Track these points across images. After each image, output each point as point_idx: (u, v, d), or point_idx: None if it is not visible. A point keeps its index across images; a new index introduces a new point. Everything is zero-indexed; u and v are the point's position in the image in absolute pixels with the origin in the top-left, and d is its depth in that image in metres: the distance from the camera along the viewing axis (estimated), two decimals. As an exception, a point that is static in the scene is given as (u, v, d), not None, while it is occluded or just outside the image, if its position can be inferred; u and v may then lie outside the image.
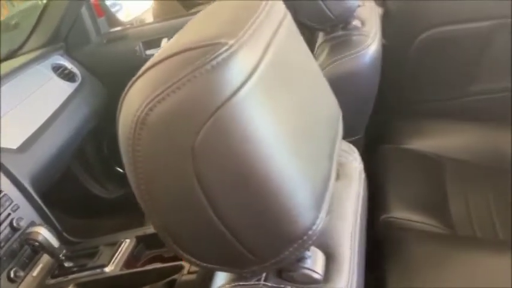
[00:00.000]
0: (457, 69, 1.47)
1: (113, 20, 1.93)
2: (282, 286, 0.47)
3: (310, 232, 0.42)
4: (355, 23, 1.14)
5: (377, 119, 1.57)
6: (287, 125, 0.42)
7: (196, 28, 0.42)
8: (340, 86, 1.06)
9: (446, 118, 1.52)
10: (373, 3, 1.29)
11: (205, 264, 0.43)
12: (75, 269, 1.15)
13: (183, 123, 0.37)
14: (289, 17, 0.51)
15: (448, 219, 1.22)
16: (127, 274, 1.12)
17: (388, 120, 1.56)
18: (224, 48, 0.37)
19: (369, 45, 1.06)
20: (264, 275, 0.48)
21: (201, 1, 2.78)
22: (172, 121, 0.37)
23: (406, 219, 1.20)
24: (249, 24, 0.41)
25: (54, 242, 1.14)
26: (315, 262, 0.48)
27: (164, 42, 1.75)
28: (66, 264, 1.16)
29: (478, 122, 1.50)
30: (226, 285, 0.47)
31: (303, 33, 0.56)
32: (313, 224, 0.42)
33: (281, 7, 0.50)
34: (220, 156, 0.37)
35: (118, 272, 1.12)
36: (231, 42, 0.37)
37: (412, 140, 1.47)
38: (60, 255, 1.15)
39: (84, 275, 1.13)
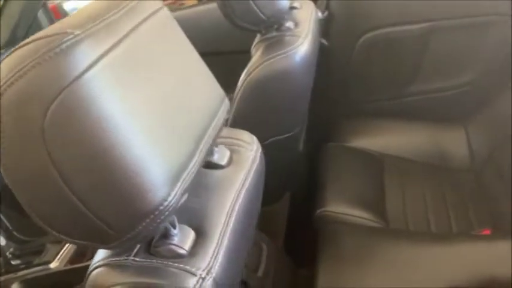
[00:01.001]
0: (398, 69, 1.52)
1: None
2: (149, 261, 0.51)
3: (161, 207, 0.46)
4: (289, 24, 1.18)
5: (324, 117, 1.62)
6: (141, 109, 0.46)
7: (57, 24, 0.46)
8: (272, 84, 1.11)
9: (389, 117, 1.57)
10: (312, 6, 1.33)
11: (71, 240, 0.47)
12: (21, 266, 1.17)
13: (31, 104, 0.41)
14: (160, 15, 0.56)
15: (383, 214, 1.27)
16: (71, 270, 1.15)
17: (334, 119, 1.60)
18: (69, 37, 0.41)
19: (299, 45, 1.10)
20: (134, 250, 0.52)
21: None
22: (21, 103, 0.41)
23: (341, 213, 1.24)
24: (102, 19, 0.45)
25: (1, 240, 1.16)
26: (182, 239, 0.52)
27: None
28: (13, 262, 1.19)
29: (418, 121, 1.55)
30: (99, 262, 0.51)
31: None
32: (165, 200, 0.46)
33: (151, 6, 0.55)
34: (69, 135, 0.41)
35: (62, 268, 1.15)
36: (77, 32, 0.42)
37: (356, 138, 1.52)
38: (7, 253, 1.17)
39: (30, 272, 1.15)
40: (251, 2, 1.05)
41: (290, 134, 1.17)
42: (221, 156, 0.66)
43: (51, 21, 1.79)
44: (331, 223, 1.24)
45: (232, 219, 0.58)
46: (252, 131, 1.17)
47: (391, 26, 1.45)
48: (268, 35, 1.16)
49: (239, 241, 0.60)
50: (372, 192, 1.33)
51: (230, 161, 0.67)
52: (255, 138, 0.74)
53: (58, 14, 1.85)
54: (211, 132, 0.56)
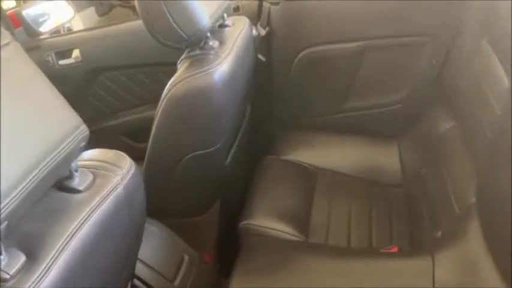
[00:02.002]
0: (333, 86, 1.56)
1: (31, 31, 1.99)
2: None
3: None
4: (212, 43, 1.22)
5: (264, 131, 1.66)
6: None
7: None
8: (191, 101, 1.14)
9: (325, 132, 1.61)
10: (245, 23, 1.36)
11: None
12: None
13: None
14: (9, 48, 0.60)
15: (305, 228, 1.31)
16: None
17: (273, 133, 1.64)
18: None
19: (219, 65, 1.14)
20: None
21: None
22: None
23: (263, 226, 1.28)
24: None
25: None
26: (9, 263, 0.56)
27: (76, 53, 1.82)
28: None
29: (353, 136, 1.59)
30: None
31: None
32: None
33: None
34: None
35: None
36: None
37: (293, 152, 1.56)
38: None
39: None
40: (171, 21, 1.09)
41: (212, 149, 1.21)
42: (81, 180, 0.69)
43: (10, 29, 1.83)
44: (253, 236, 1.28)
45: (72, 243, 0.61)
46: (172, 144, 1.21)
47: (326, 43, 1.49)
48: (192, 53, 1.20)
49: (86, 264, 0.64)
50: (298, 206, 1.36)
51: (90, 186, 0.69)
52: (128, 162, 0.77)
53: (17, 21, 1.88)
54: (51, 159, 0.59)
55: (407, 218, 1.36)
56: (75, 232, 0.62)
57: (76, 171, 0.69)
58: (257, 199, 1.37)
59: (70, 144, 0.63)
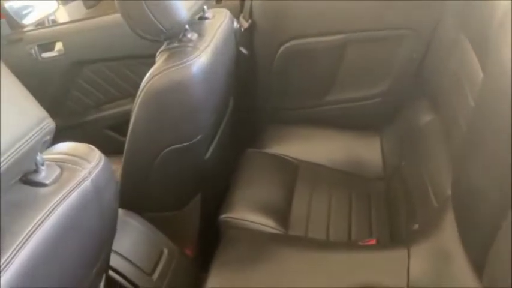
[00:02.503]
0: (315, 79, 1.56)
1: (14, 23, 1.98)
2: None
3: None
4: (191, 35, 1.22)
5: (247, 124, 1.66)
6: None
7: None
8: (169, 94, 1.14)
9: (308, 125, 1.61)
10: (225, 16, 1.36)
11: None
12: None
13: None
14: None
15: (285, 220, 1.31)
16: None
17: (256, 126, 1.64)
18: None
19: (196, 57, 1.14)
20: None
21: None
22: None
23: (242, 219, 1.28)
24: None
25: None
26: None
27: (59, 46, 1.81)
28: None
29: (336, 129, 1.59)
30: None
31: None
32: None
33: None
34: None
35: None
36: None
37: (275, 145, 1.56)
38: None
39: None
40: (149, 14, 1.08)
41: (190, 142, 1.21)
42: (48, 174, 0.68)
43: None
44: (232, 229, 1.28)
45: (36, 236, 0.60)
46: (150, 138, 1.21)
47: (308, 36, 1.49)
48: (171, 45, 1.19)
49: (52, 257, 0.64)
50: (278, 199, 1.37)
51: (57, 179, 0.69)
52: (97, 155, 0.76)
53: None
54: (14, 151, 0.59)
55: (387, 211, 1.37)
56: (39, 225, 0.62)
57: (42, 164, 0.68)
58: (237, 192, 1.38)
59: (34, 137, 0.63)
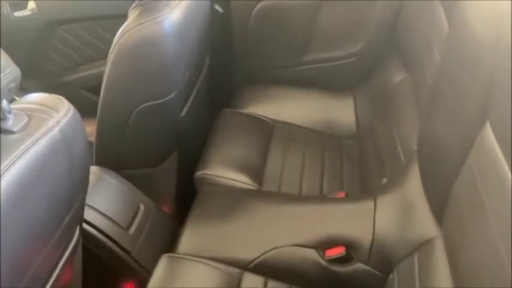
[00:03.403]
0: (290, 39, 1.57)
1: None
2: None
3: None
4: (163, -9, 1.21)
5: (223, 84, 1.67)
6: None
7: None
8: (140, 49, 1.14)
9: (284, 85, 1.63)
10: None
11: None
12: None
13: None
14: None
15: (259, 177, 1.34)
16: None
17: (233, 86, 1.65)
18: None
19: (169, 13, 1.13)
20: None
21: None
22: None
23: (218, 176, 1.31)
24: None
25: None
26: None
27: (31, 4, 1.77)
28: None
29: (311, 89, 1.61)
30: None
31: None
32: None
33: None
34: None
35: None
36: None
37: (252, 105, 1.58)
38: None
39: None
40: None
41: (164, 99, 1.21)
42: (15, 122, 0.69)
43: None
44: (208, 185, 1.31)
45: (2, 182, 0.62)
46: (124, 94, 1.21)
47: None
48: (142, 1, 1.18)
49: (18, 206, 0.65)
50: (253, 157, 1.39)
51: (24, 127, 0.70)
52: (66, 105, 0.77)
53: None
54: None
55: (358, 168, 1.41)
56: (7, 170, 0.63)
57: (9, 112, 0.69)
58: (213, 150, 1.40)
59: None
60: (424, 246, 0.94)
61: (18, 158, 0.65)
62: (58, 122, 0.74)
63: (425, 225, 0.97)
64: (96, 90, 1.93)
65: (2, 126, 0.68)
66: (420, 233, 0.97)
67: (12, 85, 0.67)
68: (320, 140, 1.50)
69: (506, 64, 0.67)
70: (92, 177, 1.23)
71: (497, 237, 0.67)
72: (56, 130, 0.73)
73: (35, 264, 0.75)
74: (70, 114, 0.77)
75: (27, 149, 0.67)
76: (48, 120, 0.73)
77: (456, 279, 0.82)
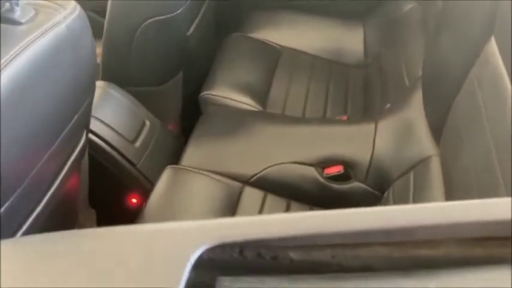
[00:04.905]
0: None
1: None
2: None
3: None
4: None
5: (232, 8, 1.65)
6: None
7: None
8: None
9: (294, 11, 1.60)
10: None
11: None
12: None
13: None
14: None
15: (264, 100, 1.35)
16: None
17: (243, 12, 1.63)
18: None
19: None
20: None
21: None
22: None
23: (222, 96, 1.32)
24: None
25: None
26: None
27: None
28: None
29: (322, 17, 1.59)
30: None
31: None
32: None
33: None
34: None
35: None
36: None
37: (261, 30, 1.56)
38: None
39: None
40: None
41: (171, 15, 1.21)
42: (23, 14, 0.70)
43: None
44: (212, 105, 1.32)
45: (6, 72, 0.63)
46: (131, 9, 1.21)
47: None
48: None
49: (22, 100, 0.67)
50: (259, 80, 1.40)
51: (32, 20, 0.70)
52: (73, 4, 0.78)
53: None
54: None
55: (363, 95, 1.41)
56: (13, 59, 0.64)
57: (17, 5, 0.70)
58: (219, 72, 1.40)
59: None
60: (420, 164, 0.96)
61: (24, 49, 0.66)
62: (65, 18, 0.74)
63: (423, 144, 0.99)
64: (103, 13, 1.92)
65: (9, 16, 0.69)
66: (417, 152, 0.99)
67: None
68: (327, 67, 1.49)
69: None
70: (99, 91, 1.25)
71: (491, 146, 0.69)
72: (63, 26, 0.74)
73: (39, 164, 0.78)
74: (77, 11, 0.77)
75: (34, 41, 0.68)
76: (55, 15, 0.73)
77: (448, 193, 0.85)
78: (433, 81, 0.98)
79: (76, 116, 0.88)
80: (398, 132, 1.06)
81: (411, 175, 0.96)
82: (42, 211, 0.83)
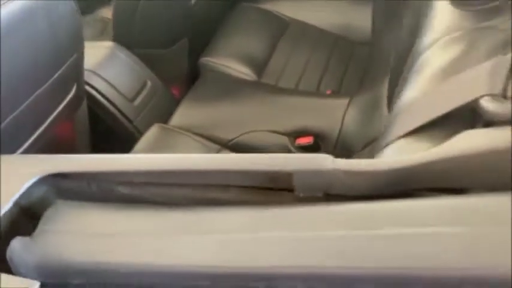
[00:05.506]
0: None
1: None
2: None
3: None
4: None
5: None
6: None
7: None
8: None
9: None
10: None
11: None
12: None
13: None
14: None
15: (260, 70, 1.41)
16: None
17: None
18: None
19: None
20: None
21: None
22: None
23: (220, 64, 1.39)
24: None
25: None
26: None
27: None
28: None
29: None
30: None
31: None
32: None
33: None
34: None
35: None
36: None
37: (270, 1, 1.59)
38: None
39: None
40: None
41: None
42: None
43: None
44: (210, 71, 1.40)
45: None
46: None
47: None
48: None
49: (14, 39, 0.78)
50: (260, 50, 1.45)
51: None
52: None
53: None
54: None
55: (362, 72, 1.42)
56: None
57: None
58: (222, 40, 1.47)
59: None
60: (378, 140, 0.99)
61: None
62: None
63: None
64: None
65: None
66: (380, 127, 1.01)
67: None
68: (332, 41, 1.51)
69: None
70: (105, 51, 1.37)
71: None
72: None
73: (29, 100, 0.90)
74: None
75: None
76: None
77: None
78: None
79: (60, 71, 1.00)
80: (366, 108, 1.09)
81: (367, 149, 0.99)
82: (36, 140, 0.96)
